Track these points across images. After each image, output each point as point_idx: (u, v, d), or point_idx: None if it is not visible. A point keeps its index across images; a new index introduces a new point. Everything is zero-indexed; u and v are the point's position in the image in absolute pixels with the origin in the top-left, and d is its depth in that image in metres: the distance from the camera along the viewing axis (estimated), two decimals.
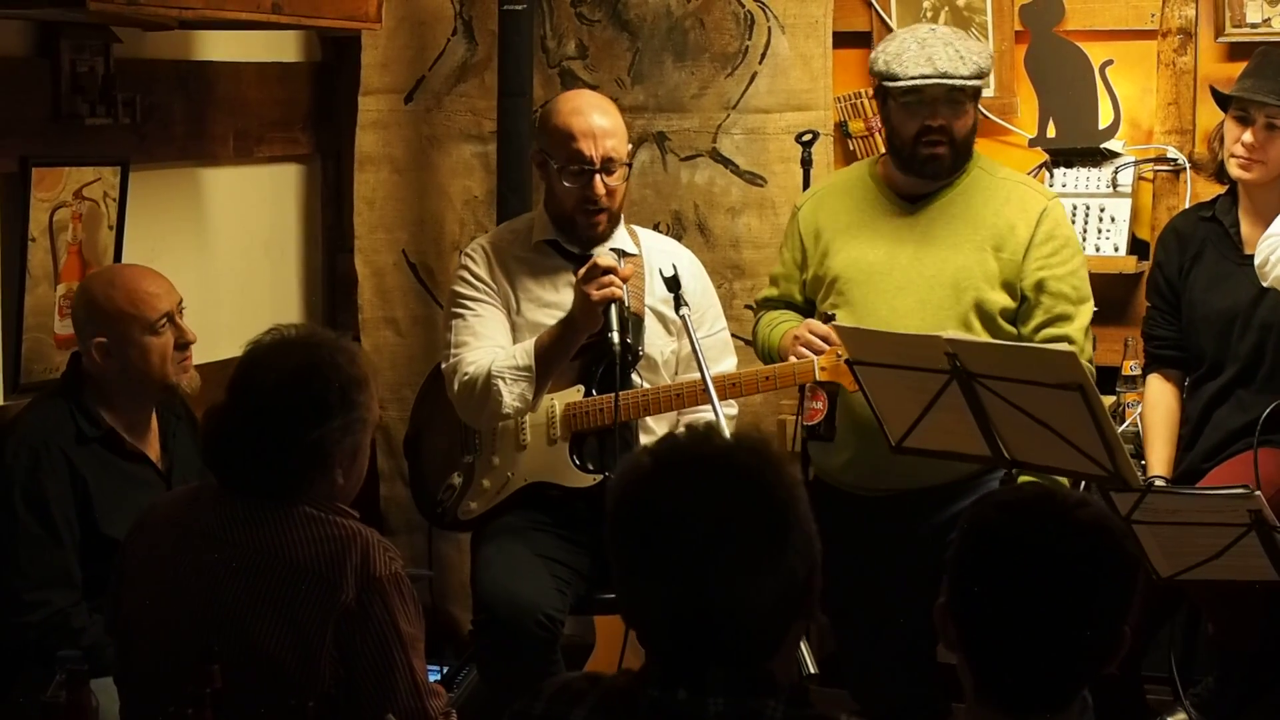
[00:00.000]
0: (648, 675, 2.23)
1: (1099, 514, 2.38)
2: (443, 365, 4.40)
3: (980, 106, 4.93)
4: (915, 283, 4.22)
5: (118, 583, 3.20)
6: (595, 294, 4.09)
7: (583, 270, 4.14)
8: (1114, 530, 2.37)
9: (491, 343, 4.30)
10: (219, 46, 5.07)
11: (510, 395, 4.22)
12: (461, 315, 4.36)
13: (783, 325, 4.33)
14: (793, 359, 4.19)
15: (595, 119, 4.27)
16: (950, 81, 4.11)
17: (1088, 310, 4.26)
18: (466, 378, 4.27)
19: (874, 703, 4.34)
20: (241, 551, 3.03)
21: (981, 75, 4.17)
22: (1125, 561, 2.36)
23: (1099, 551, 2.32)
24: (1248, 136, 4.41)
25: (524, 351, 4.23)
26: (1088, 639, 2.31)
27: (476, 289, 4.37)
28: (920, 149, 4.19)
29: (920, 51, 4.13)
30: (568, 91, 4.70)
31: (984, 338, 4.17)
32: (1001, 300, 4.21)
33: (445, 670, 4.84)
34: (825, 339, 4.15)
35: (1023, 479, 3.85)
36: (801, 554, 2.20)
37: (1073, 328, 4.20)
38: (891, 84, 4.15)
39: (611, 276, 4.10)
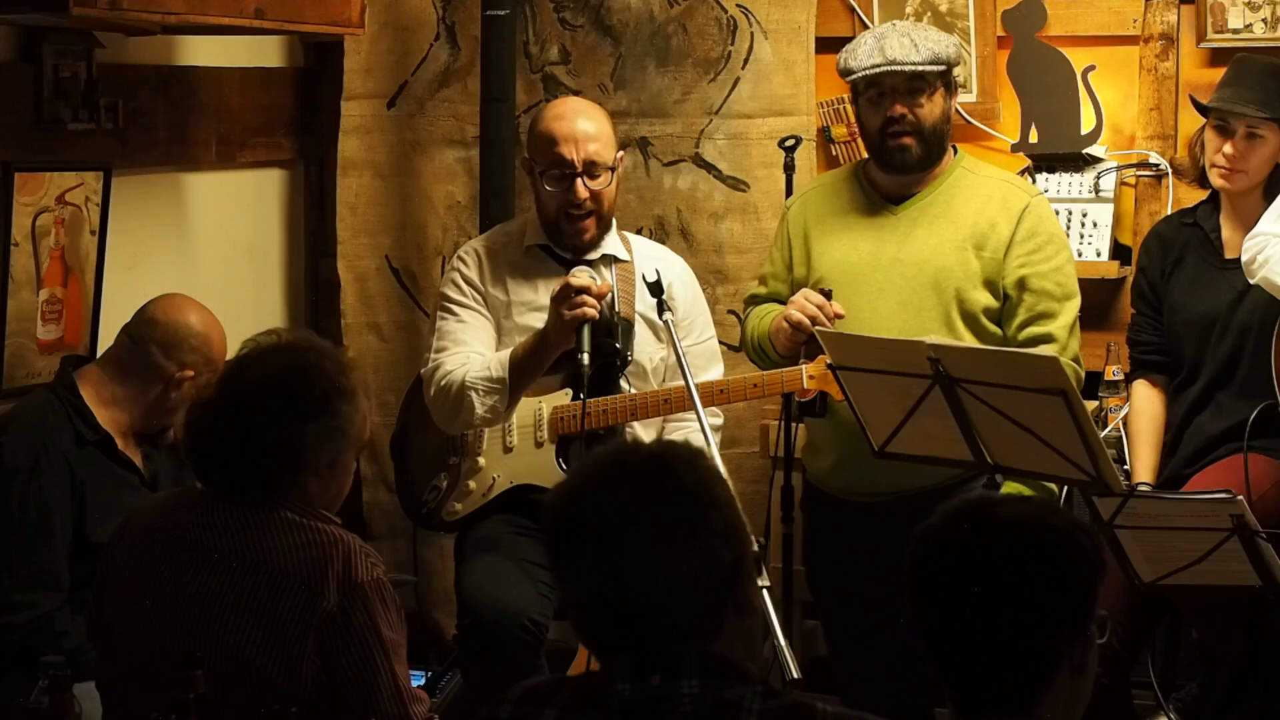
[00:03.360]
0: (615, 672, 2.25)
1: (1025, 513, 2.36)
2: (422, 370, 4.41)
3: (962, 111, 4.96)
4: (897, 283, 4.23)
5: (100, 588, 3.19)
6: (567, 314, 4.10)
7: (556, 288, 4.15)
8: (1045, 527, 2.34)
9: (471, 350, 4.31)
10: (202, 52, 5.06)
11: (482, 406, 4.24)
12: (445, 319, 4.38)
13: (773, 314, 4.31)
14: (785, 325, 4.16)
15: (579, 123, 4.29)
16: (900, 68, 4.13)
17: (1073, 307, 4.25)
18: (442, 385, 4.29)
19: (864, 706, 4.33)
20: (223, 556, 3.03)
21: (939, 62, 4.17)
22: (1056, 558, 2.32)
23: (1019, 548, 2.31)
24: (1228, 148, 4.41)
25: (499, 363, 4.24)
26: (1025, 636, 2.29)
27: (464, 293, 4.38)
28: (887, 141, 4.22)
29: (875, 44, 4.18)
30: (558, 98, 4.70)
31: (967, 337, 4.18)
32: (984, 299, 4.22)
33: (429, 675, 4.83)
34: (820, 307, 4.12)
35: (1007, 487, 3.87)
36: (722, 536, 2.27)
37: (1055, 325, 4.20)
38: (848, 78, 4.21)
39: (585, 296, 4.10)
